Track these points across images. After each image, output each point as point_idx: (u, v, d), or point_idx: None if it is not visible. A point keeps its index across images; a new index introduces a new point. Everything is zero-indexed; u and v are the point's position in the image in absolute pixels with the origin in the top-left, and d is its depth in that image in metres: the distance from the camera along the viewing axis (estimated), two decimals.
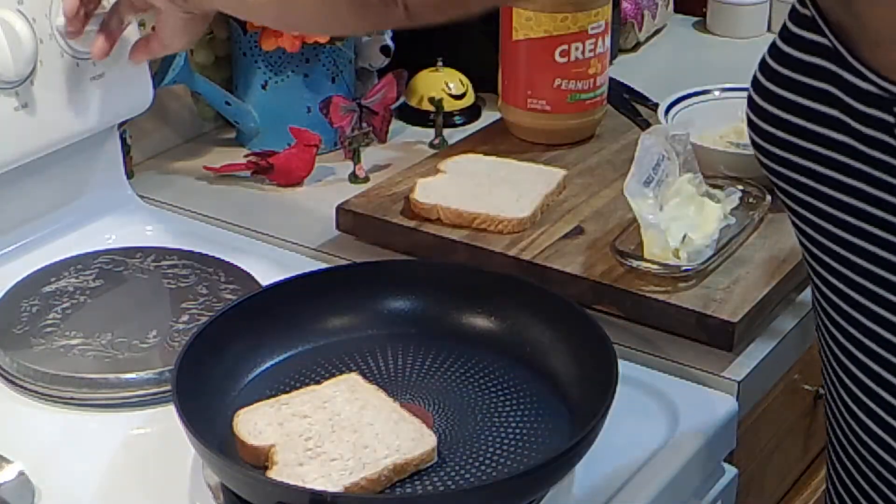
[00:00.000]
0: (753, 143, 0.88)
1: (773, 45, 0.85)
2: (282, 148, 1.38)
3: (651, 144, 1.13)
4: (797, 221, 0.87)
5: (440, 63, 1.52)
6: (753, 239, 1.17)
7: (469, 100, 1.54)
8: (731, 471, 1.05)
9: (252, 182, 1.38)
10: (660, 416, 0.99)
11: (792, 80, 0.83)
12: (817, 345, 0.94)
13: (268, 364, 1.01)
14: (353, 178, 1.37)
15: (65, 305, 1.10)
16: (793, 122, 0.83)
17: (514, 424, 0.94)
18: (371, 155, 1.41)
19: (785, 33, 0.84)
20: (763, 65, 0.86)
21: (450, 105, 1.50)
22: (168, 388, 0.92)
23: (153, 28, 1.16)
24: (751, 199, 1.19)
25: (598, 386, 0.92)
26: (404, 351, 1.03)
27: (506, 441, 0.93)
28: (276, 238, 1.27)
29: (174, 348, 1.03)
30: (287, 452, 0.89)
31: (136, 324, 1.08)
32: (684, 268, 1.09)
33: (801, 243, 0.89)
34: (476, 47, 1.53)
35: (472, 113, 1.54)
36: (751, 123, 0.87)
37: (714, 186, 1.18)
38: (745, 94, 1.33)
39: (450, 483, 0.88)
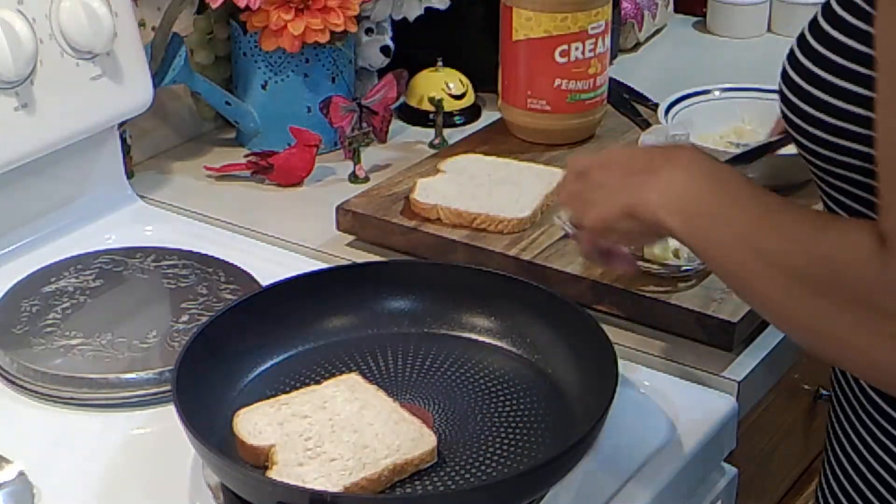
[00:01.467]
0: (784, 98, 0.87)
1: (826, 5, 0.85)
2: (282, 148, 1.38)
3: (651, 144, 1.13)
4: (824, 176, 0.87)
5: (440, 63, 1.52)
6: None
7: (469, 100, 1.53)
8: (731, 471, 1.05)
9: (252, 182, 1.38)
10: (660, 416, 0.99)
11: (839, 43, 0.83)
12: None
13: (268, 364, 1.01)
14: (353, 178, 1.37)
15: (65, 305, 1.10)
16: (831, 82, 0.82)
17: (514, 424, 0.94)
18: (371, 155, 1.41)
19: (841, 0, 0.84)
20: (813, 24, 0.85)
21: (450, 105, 1.50)
22: (168, 388, 0.92)
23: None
24: None
25: (598, 386, 0.92)
26: (404, 351, 1.03)
27: (506, 441, 0.92)
28: (276, 238, 1.27)
29: (174, 348, 1.03)
30: (287, 452, 0.89)
31: (136, 324, 1.08)
32: (684, 268, 1.09)
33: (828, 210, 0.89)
34: (476, 47, 1.53)
35: (472, 113, 1.54)
36: (785, 79, 0.87)
37: None
38: (745, 94, 1.36)
39: (450, 483, 0.88)
